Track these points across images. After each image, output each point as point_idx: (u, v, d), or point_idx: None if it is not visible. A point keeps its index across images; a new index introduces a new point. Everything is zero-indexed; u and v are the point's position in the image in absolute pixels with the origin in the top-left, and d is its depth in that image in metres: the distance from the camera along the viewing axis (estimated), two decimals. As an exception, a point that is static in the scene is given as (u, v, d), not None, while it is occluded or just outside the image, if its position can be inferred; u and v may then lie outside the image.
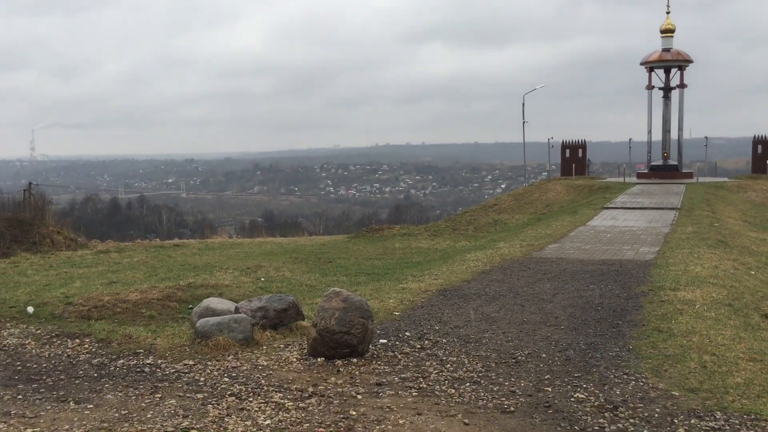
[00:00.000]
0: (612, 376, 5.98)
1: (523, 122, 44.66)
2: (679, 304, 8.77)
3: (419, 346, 7.00)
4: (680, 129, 39.28)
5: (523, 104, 44.67)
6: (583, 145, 40.88)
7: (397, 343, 7.14)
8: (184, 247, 23.39)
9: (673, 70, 38.50)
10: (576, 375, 6.02)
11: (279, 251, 21.02)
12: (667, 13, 38.71)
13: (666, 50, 38.31)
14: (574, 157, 40.37)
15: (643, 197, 28.28)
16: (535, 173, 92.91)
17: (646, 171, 38.95)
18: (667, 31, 38.47)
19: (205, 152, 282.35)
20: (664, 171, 37.82)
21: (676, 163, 38.78)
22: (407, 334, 7.51)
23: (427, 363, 6.40)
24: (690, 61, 38.37)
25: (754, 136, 38.74)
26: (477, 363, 6.40)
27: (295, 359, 6.46)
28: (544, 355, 6.64)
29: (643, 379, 5.86)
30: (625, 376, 5.95)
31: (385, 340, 7.19)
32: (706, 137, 44.88)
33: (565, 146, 40.88)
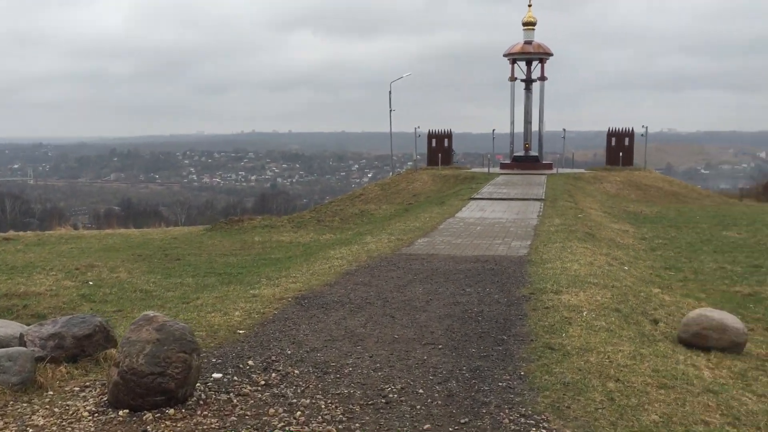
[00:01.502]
0: (507, 420, 4.71)
1: (390, 111, 43.87)
2: (565, 312, 7.76)
3: (263, 382, 5.45)
4: (541, 121, 39.91)
5: (390, 92, 43.86)
6: (449, 135, 40.65)
7: (235, 378, 5.55)
8: (14, 242, 20.39)
9: (535, 63, 38.97)
10: (462, 420, 4.71)
11: (122, 246, 18.64)
12: (529, 6, 39.11)
13: (528, 42, 38.68)
14: (440, 147, 40.04)
15: (508, 188, 28.10)
16: (401, 163, 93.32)
17: (509, 162, 39.25)
18: (529, 24, 38.85)
19: (56, 136, 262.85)
20: (526, 162, 38.26)
21: (537, 154, 39.34)
22: (250, 363, 5.93)
23: (272, 410, 4.86)
24: (550, 54, 38.97)
25: (609, 129, 40.02)
26: (337, 406, 4.94)
27: (87, 413, 4.71)
28: (421, 391, 5.29)
29: (545, 424, 4.64)
30: (523, 420, 4.71)
31: (219, 375, 5.58)
32: (564, 129, 46.12)
33: (431, 136, 40.48)
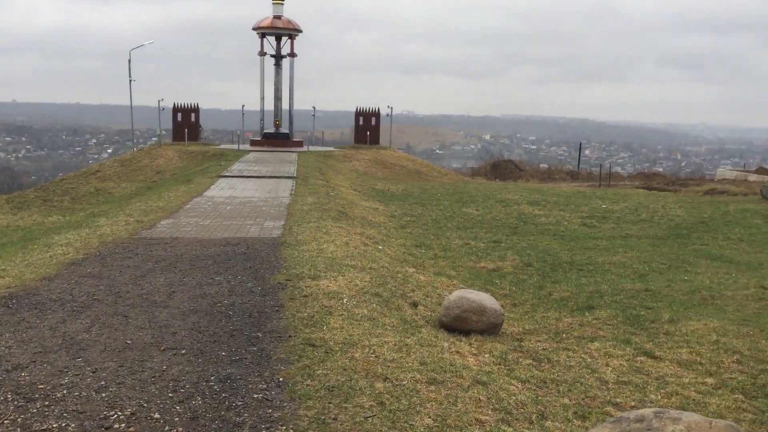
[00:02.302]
0: (264, 445, 3.91)
1: (130, 81, 40.42)
2: (325, 299, 7.15)
3: (-63, 423, 4.06)
4: (291, 98, 39.42)
5: (129, 61, 40.39)
6: (196, 110, 38.56)
7: None
8: None
9: (284, 38, 38.29)
10: (210, 452, 3.81)
11: None
12: (279, -21, 38.23)
13: (277, 17, 37.86)
14: (186, 122, 37.82)
15: (259, 165, 27.20)
16: (144, 138, 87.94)
17: (259, 139, 38.32)
18: (278, -2, 38.02)
19: None
20: (277, 139, 37.63)
21: (287, 131, 38.87)
22: None
23: (-58, 468, 3.56)
24: (299, 31, 38.56)
25: (357, 109, 40.80)
26: (41, 450, 3.77)
27: None
28: (157, 415, 4.28)
29: (310, 444, 3.92)
30: (284, 442, 3.94)
31: None
32: (314, 107, 46.27)
33: (176, 110, 38.07)
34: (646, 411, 3.95)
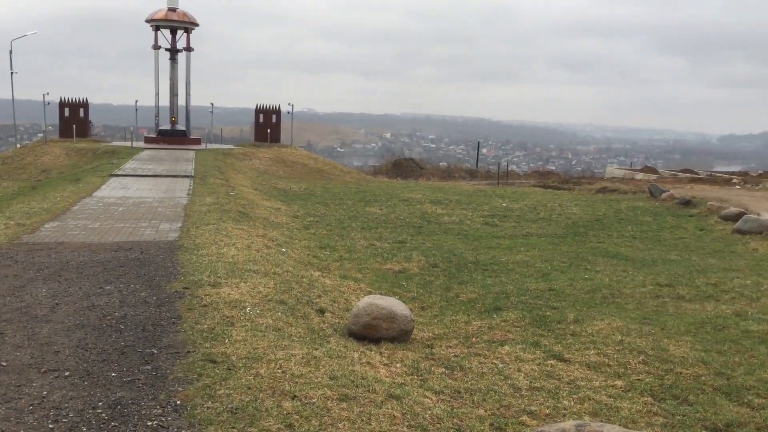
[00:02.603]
0: (161, 482, 3.51)
1: (12, 73, 37.94)
2: (226, 309, 6.73)
3: None
4: (188, 94, 38.09)
5: (11, 52, 37.89)
6: (85, 104, 36.63)
7: None
8: None
9: (180, 32, 36.94)
10: (97, 495, 3.38)
11: None
12: (173, -30, 36.83)
13: (172, 10, 36.47)
14: (75, 117, 35.87)
15: (154, 164, 26.04)
16: (29, 134, 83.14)
17: (154, 136, 36.82)
18: (173, -10, 36.64)
19: None
20: (173, 136, 36.30)
21: (184, 128, 37.55)
22: None
23: None
24: (196, 24, 37.31)
25: (257, 106, 39.95)
26: None
27: None
28: (34, 453, 3.79)
29: (213, 479, 3.55)
30: (183, 478, 3.55)
31: None
32: (212, 104, 44.96)
33: (64, 104, 36.03)
34: (567, 425, 3.82)
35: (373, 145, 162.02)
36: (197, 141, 37.31)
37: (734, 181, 30.37)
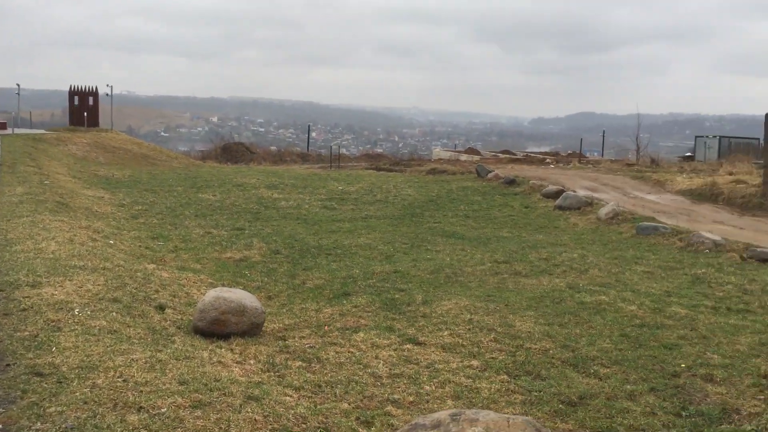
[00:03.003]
0: None
1: None
2: (50, 312, 5.97)
3: None
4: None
5: None
6: None
7: None
8: None
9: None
10: None
11: None
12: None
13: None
14: None
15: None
16: None
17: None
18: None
19: None
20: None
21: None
22: None
23: None
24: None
25: (71, 88, 36.97)
26: None
27: None
28: None
29: None
30: None
31: None
32: (18, 85, 41.01)
33: None
34: (442, 415, 3.70)
35: (199, 129, 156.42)
36: (3, 125, 33.88)
37: (548, 160, 32.58)
